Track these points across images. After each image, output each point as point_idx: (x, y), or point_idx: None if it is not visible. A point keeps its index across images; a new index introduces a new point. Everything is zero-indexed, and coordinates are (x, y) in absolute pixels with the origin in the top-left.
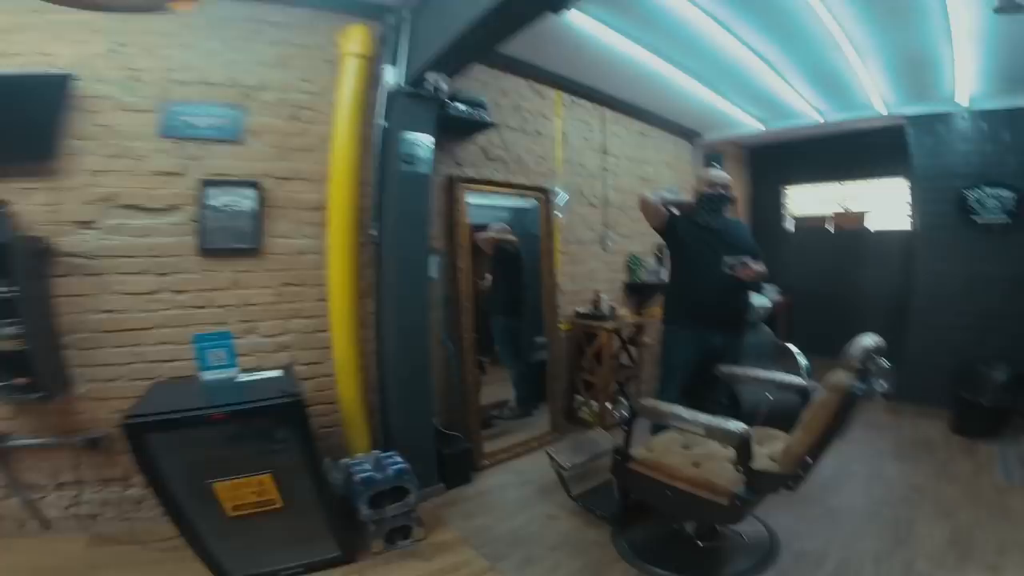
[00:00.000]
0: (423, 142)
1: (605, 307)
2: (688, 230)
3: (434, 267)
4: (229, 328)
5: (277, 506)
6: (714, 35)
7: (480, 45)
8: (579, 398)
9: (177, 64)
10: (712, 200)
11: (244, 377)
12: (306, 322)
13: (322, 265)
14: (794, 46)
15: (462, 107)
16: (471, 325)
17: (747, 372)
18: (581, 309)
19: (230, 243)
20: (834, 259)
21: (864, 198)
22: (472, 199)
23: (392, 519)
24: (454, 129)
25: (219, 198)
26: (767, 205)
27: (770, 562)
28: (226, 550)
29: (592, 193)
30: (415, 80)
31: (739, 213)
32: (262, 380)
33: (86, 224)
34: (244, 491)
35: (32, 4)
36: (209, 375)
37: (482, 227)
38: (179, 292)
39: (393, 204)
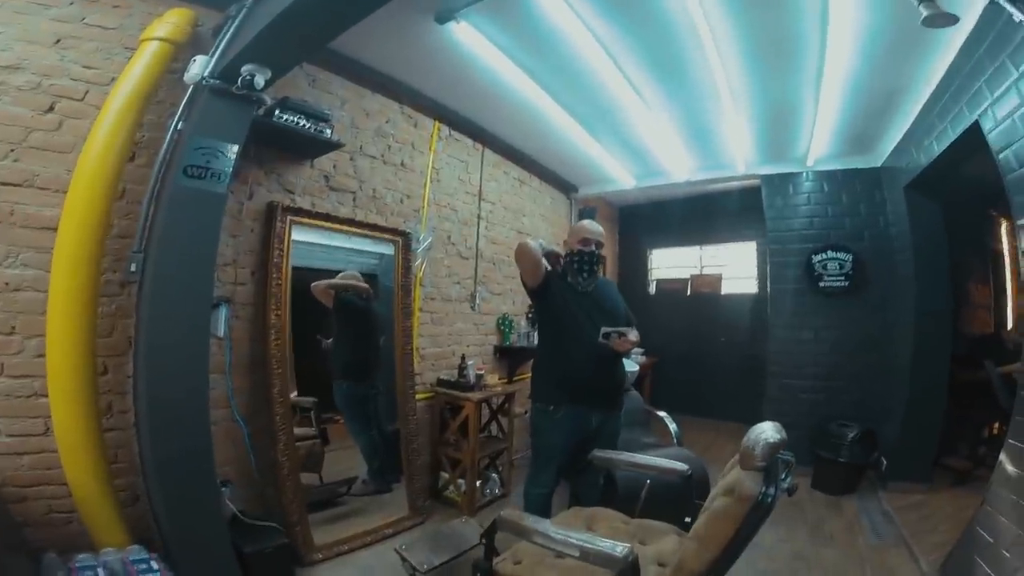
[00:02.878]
0: (223, 151)
1: (471, 375)
2: (562, 293)
3: (221, 321)
4: None
5: None
6: (605, 74)
7: (309, 30)
8: (444, 475)
9: None
10: (586, 258)
11: None
12: (14, 383)
13: (41, 306)
14: (678, 90)
15: (293, 117)
16: (285, 394)
17: (624, 458)
18: (444, 375)
19: None
20: (692, 321)
21: (719, 262)
22: (308, 237)
23: None
24: (284, 145)
25: None
26: (633, 267)
27: None
28: None
29: (463, 242)
30: (225, 72)
31: (608, 273)
32: None
33: None
34: None
35: None
36: None
37: (332, 274)
38: None
39: (163, 231)
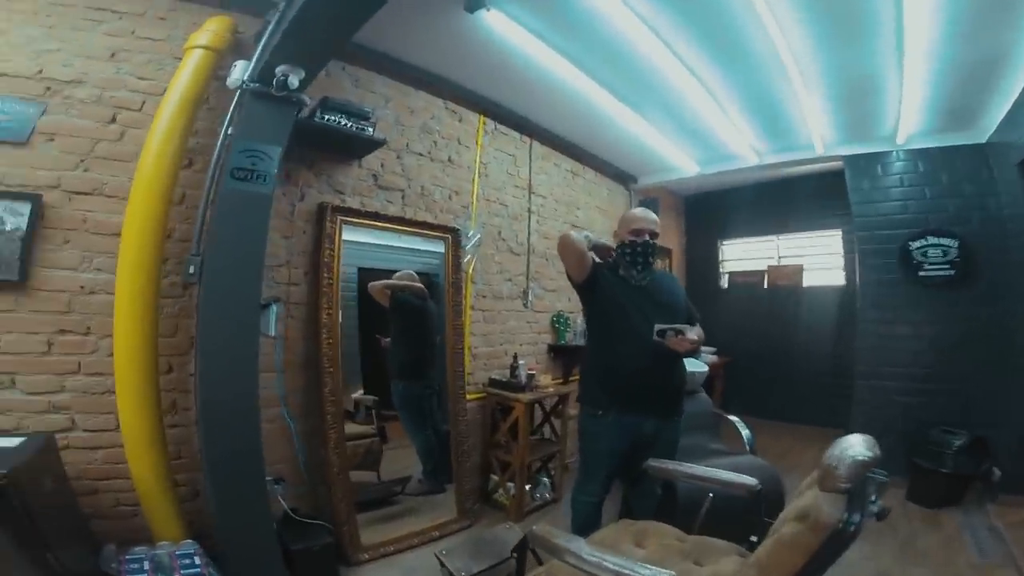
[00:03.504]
0: (267, 153)
1: (523, 375)
2: (612, 287)
3: (272, 320)
4: None
5: None
6: (653, 55)
7: (328, 25)
8: (494, 478)
9: None
10: (639, 250)
11: None
12: (90, 380)
13: (106, 308)
14: (737, 68)
15: (335, 117)
16: (336, 393)
17: (684, 469)
18: (496, 375)
19: None
20: (770, 317)
21: (799, 253)
22: (360, 236)
23: None
24: (330, 146)
25: None
26: (703, 260)
27: None
28: None
29: (514, 238)
30: (264, 76)
31: (674, 267)
32: None
33: None
34: None
35: None
36: None
37: (390, 274)
38: None
39: (214, 233)
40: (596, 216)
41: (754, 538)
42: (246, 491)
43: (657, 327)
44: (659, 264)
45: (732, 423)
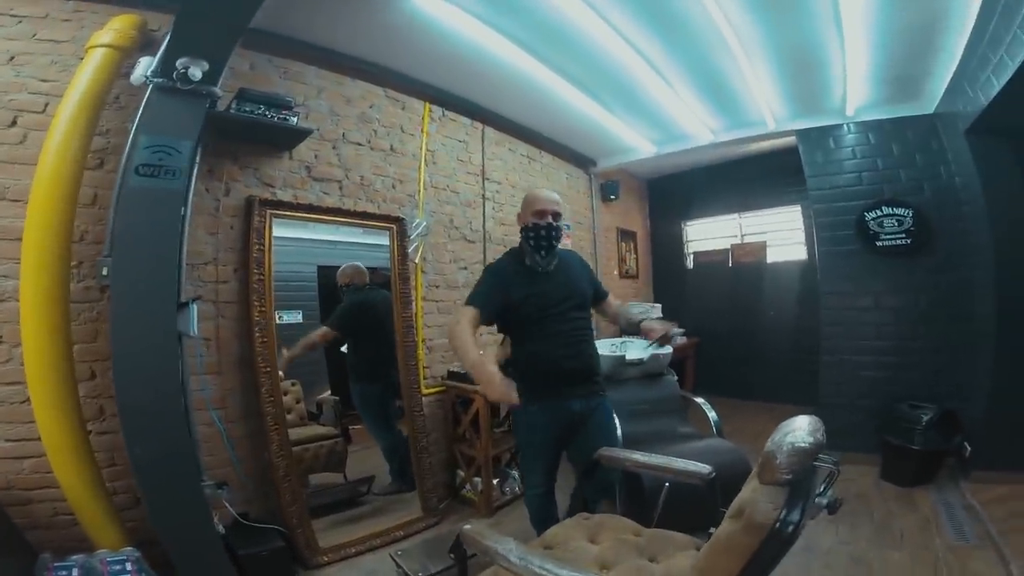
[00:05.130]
0: (176, 148)
1: None
2: (516, 287)
3: (193, 320)
4: None
5: None
6: (595, 32)
7: (219, 13)
8: (460, 474)
9: None
10: (543, 233)
11: None
12: (7, 390)
13: (16, 315)
14: (678, 42)
15: (254, 108)
16: (275, 394)
17: (635, 458)
18: (455, 367)
19: None
20: (735, 295)
21: (762, 229)
22: (301, 232)
23: None
24: (254, 138)
25: None
26: (667, 241)
27: None
28: None
29: (467, 225)
30: (168, 71)
31: (639, 249)
32: None
33: None
34: None
35: None
36: None
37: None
38: None
39: (120, 232)
40: None
41: (712, 530)
42: (182, 496)
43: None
44: (566, 242)
45: (699, 407)
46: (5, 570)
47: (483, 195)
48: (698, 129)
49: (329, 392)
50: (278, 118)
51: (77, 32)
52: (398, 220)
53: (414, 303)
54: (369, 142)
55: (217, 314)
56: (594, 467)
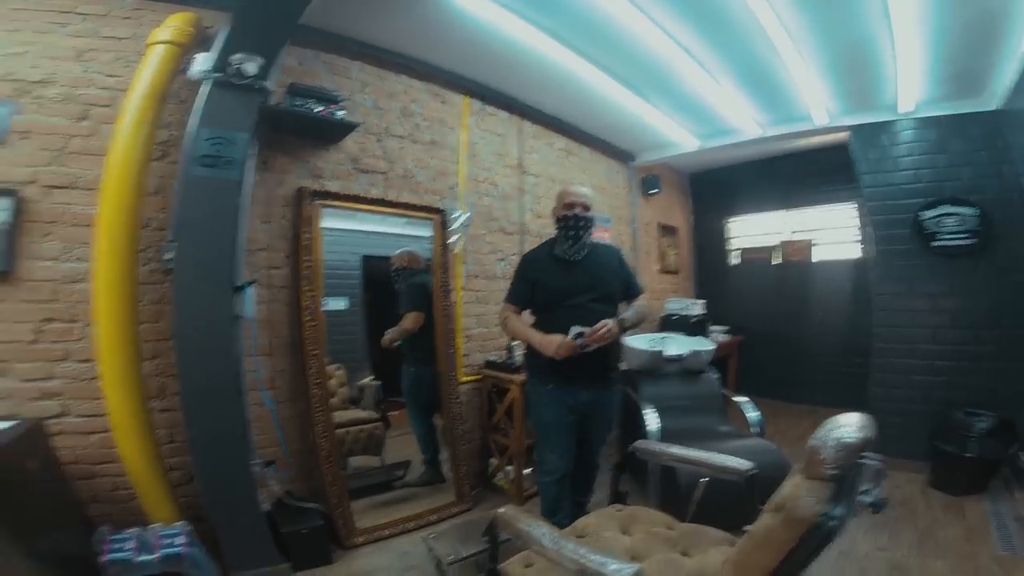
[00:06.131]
0: (233, 140)
1: (518, 356)
2: (545, 272)
3: (248, 303)
4: None
5: None
6: (638, 28)
7: (272, 11)
8: (494, 461)
9: None
10: (570, 223)
11: None
12: (80, 367)
13: (90, 296)
14: (724, 38)
15: (304, 102)
16: (321, 376)
17: (671, 451)
18: (492, 357)
19: None
20: (782, 294)
21: (812, 227)
22: (348, 224)
23: None
24: (304, 131)
25: None
26: (711, 238)
27: None
28: None
29: (506, 217)
30: (224, 66)
31: (681, 246)
32: None
33: None
34: None
35: None
36: None
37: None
38: None
39: (182, 219)
40: (595, 195)
41: (747, 528)
42: (232, 474)
43: (573, 330)
44: (604, 236)
45: (740, 407)
46: (66, 542)
47: (521, 188)
48: (745, 123)
49: (372, 377)
50: (326, 112)
51: (137, 29)
52: (440, 211)
53: (454, 292)
54: (411, 135)
55: (270, 299)
56: (583, 448)
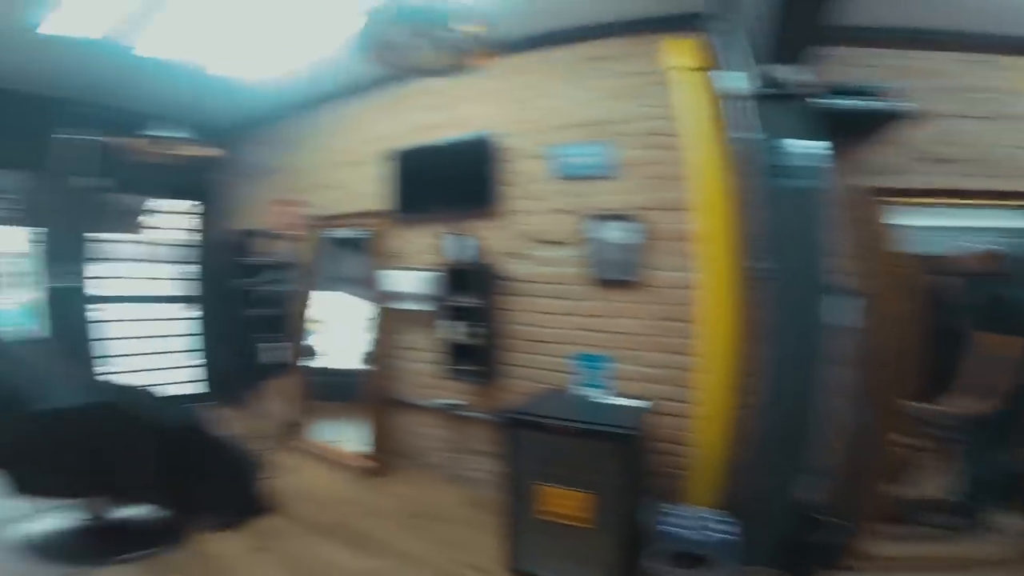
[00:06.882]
0: (798, 148)
1: None
2: None
3: (845, 311)
4: (607, 353)
5: (586, 525)
6: None
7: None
8: None
9: (547, 111)
10: None
11: (606, 399)
12: (677, 359)
13: (696, 301)
14: None
15: (848, 100)
16: (896, 390)
17: None
18: None
19: (612, 274)
20: None
21: None
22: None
23: None
24: (850, 128)
25: (601, 231)
26: None
27: None
28: (523, 542)
29: None
30: (762, 80)
31: None
32: (619, 407)
33: (514, 254)
34: (562, 501)
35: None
36: (580, 391)
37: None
38: (568, 315)
39: (768, 229)
40: None
41: None
42: (781, 476)
43: None
44: None
45: None
46: (638, 508)
47: None
48: None
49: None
50: (878, 106)
51: (638, 62)
52: None
53: None
54: (982, 114)
55: (855, 307)
56: None
